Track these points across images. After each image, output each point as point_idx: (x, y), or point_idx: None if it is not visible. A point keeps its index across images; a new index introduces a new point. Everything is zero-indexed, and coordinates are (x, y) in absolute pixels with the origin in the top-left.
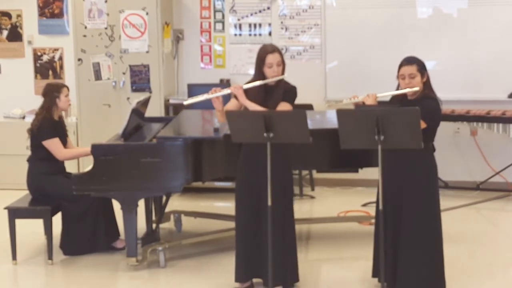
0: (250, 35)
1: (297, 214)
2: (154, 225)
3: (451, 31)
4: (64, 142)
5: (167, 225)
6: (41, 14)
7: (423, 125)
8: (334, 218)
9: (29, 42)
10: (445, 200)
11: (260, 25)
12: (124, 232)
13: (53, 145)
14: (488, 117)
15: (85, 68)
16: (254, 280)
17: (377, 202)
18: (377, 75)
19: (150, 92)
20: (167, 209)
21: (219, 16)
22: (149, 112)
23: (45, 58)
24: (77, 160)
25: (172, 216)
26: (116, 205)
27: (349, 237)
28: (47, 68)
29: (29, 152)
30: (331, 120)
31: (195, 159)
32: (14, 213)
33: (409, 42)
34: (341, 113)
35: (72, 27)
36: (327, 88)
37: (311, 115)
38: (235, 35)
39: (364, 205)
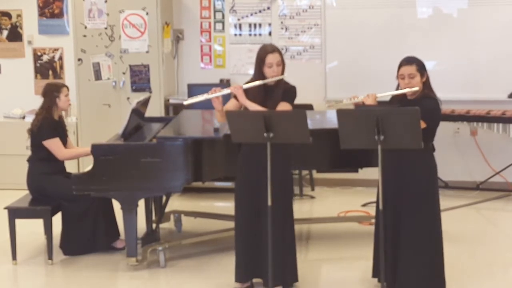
0: (250, 35)
1: (297, 214)
2: (154, 225)
3: (451, 31)
4: (64, 142)
5: (167, 225)
6: (41, 14)
7: (422, 125)
8: (334, 218)
9: (29, 42)
10: (445, 200)
11: (260, 25)
12: (124, 232)
13: (53, 145)
14: (488, 117)
15: (85, 68)
16: (254, 280)
17: (377, 202)
18: (377, 75)
19: (150, 92)
20: (167, 209)
21: (219, 16)
22: (149, 112)
23: (45, 58)
24: (77, 160)
25: (172, 216)
26: (116, 205)
27: (349, 237)
28: (47, 68)
29: (29, 152)
30: (331, 120)
31: (195, 159)
32: (14, 213)
33: (409, 42)
34: (341, 113)
35: (72, 27)
36: (327, 88)
37: (311, 115)
38: (235, 35)
39: (364, 205)
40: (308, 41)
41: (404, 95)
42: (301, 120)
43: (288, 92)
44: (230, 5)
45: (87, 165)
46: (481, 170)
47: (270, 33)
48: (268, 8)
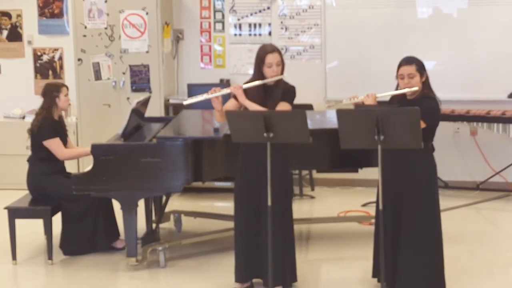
0: (250, 35)
1: (297, 214)
2: (154, 225)
3: (451, 31)
4: (65, 142)
5: (167, 225)
6: (41, 14)
7: (422, 125)
8: (334, 218)
9: (29, 42)
10: (445, 200)
11: (260, 25)
12: (124, 232)
13: (54, 145)
14: (488, 117)
15: (85, 68)
16: (254, 280)
17: (377, 202)
18: (377, 75)
19: (150, 92)
20: (167, 209)
21: (219, 16)
22: (149, 112)
23: (45, 58)
24: (77, 160)
25: (172, 216)
26: (116, 205)
27: (349, 237)
28: (47, 68)
29: (29, 152)
30: (331, 120)
31: (195, 159)
32: (14, 213)
33: (409, 42)
34: (341, 113)
35: (72, 27)
36: (327, 88)
37: (311, 115)
38: (235, 35)
39: (364, 205)
40: (308, 41)
41: (403, 95)
42: (301, 120)
43: (288, 92)
44: (230, 5)
45: (87, 165)
46: (481, 170)
47: (270, 33)
48: (268, 8)
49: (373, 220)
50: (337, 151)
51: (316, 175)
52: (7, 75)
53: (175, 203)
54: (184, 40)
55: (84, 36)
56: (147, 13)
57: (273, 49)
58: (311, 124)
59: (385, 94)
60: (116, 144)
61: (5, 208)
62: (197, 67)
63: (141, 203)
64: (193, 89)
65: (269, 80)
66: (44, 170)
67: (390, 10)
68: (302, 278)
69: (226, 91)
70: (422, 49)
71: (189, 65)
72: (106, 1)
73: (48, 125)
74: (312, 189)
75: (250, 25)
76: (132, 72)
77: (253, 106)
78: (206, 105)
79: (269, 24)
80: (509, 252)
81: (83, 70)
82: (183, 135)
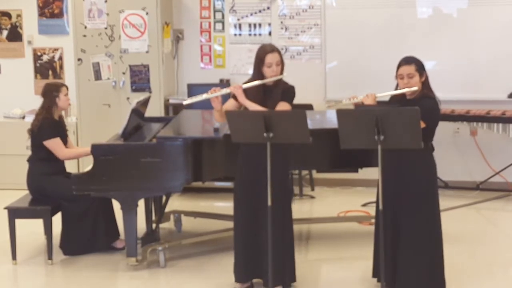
0: (250, 35)
1: (297, 214)
2: (154, 225)
3: (451, 31)
4: (65, 142)
5: (167, 225)
6: (41, 14)
7: (422, 124)
8: (334, 218)
9: (29, 42)
10: (445, 200)
11: (260, 25)
12: (124, 232)
13: (54, 144)
14: (488, 117)
15: (85, 68)
16: (254, 280)
17: (377, 202)
18: (377, 75)
19: (150, 92)
20: (167, 209)
21: (219, 16)
22: (149, 112)
23: (45, 58)
24: (77, 160)
25: (172, 216)
26: (116, 205)
27: (349, 237)
28: (47, 68)
29: (29, 152)
30: (331, 120)
31: (195, 159)
32: (14, 213)
33: (409, 42)
34: (341, 113)
35: (72, 27)
36: (327, 88)
37: (311, 115)
38: (235, 35)
39: (364, 205)
40: (308, 41)
41: (403, 95)
42: (301, 120)
43: (287, 92)
44: (230, 5)
45: (87, 165)
46: (481, 170)
47: (270, 33)
48: (268, 8)
49: (373, 220)
50: (337, 151)
51: (316, 175)
52: (7, 75)
53: (175, 203)
54: (184, 40)
55: (84, 36)
56: (147, 13)
57: (272, 49)
58: (311, 124)
59: (385, 94)
60: (116, 144)
61: (5, 208)
62: (197, 67)
63: (141, 203)
64: (193, 89)
65: (269, 80)
66: (44, 170)
67: (390, 10)
68: (302, 278)
69: (226, 91)
70: (422, 49)
71: (189, 65)
72: (106, 1)
73: (48, 125)
74: (312, 189)
75: (250, 25)
76: (132, 72)
77: (253, 106)
78: (206, 105)
79: (269, 24)
80: (509, 252)
81: (83, 70)
82: (183, 135)
